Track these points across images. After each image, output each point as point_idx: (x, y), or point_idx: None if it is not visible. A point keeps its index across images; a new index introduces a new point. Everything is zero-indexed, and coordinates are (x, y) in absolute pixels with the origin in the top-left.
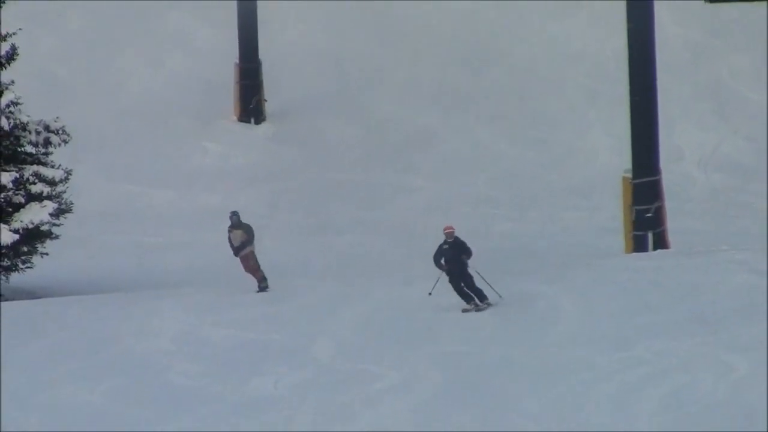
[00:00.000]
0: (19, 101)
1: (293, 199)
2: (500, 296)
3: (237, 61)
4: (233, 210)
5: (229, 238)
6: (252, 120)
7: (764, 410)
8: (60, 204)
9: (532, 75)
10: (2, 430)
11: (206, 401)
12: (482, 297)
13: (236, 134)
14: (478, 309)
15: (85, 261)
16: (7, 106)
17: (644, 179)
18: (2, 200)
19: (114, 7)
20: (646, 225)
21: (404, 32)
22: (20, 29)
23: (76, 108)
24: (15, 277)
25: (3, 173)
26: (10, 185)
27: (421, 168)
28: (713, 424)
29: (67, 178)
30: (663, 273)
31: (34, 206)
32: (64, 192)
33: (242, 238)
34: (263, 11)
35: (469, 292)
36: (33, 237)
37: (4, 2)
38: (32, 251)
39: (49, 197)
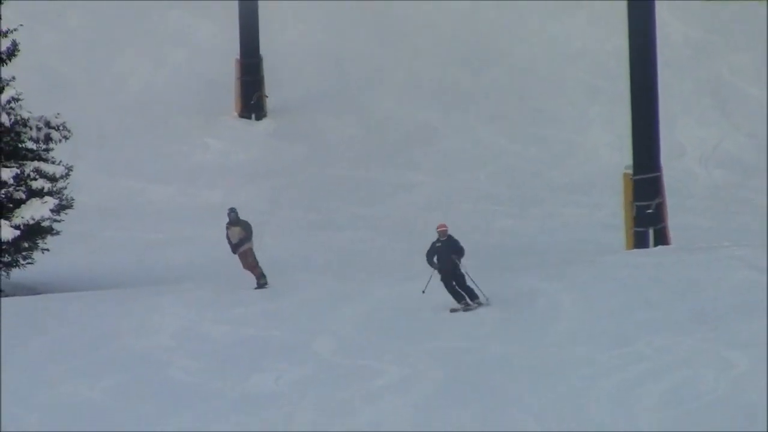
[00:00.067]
0: (20, 97)
1: (294, 195)
2: (487, 299)
3: (238, 56)
4: (231, 207)
5: (228, 235)
6: (253, 116)
7: (765, 407)
8: (61, 200)
9: (532, 73)
10: (2, 426)
11: (207, 397)
12: (473, 296)
13: (237, 130)
14: (466, 309)
15: (86, 257)
16: (8, 102)
17: (645, 175)
18: (3, 196)
19: (115, 4)
20: (647, 221)
21: (404, 30)
22: (21, 25)
23: (77, 104)
24: (16, 273)
25: (4, 169)
26: (11, 181)
27: (421, 165)
28: (714, 421)
29: (68, 174)
30: (664, 269)
31: (35, 202)
32: (65, 188)
33: (240, 235)
34: (264, 8)
35: (461, 291)
36: (34, 233)
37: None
38: (33, 247)
39: (50, 193)
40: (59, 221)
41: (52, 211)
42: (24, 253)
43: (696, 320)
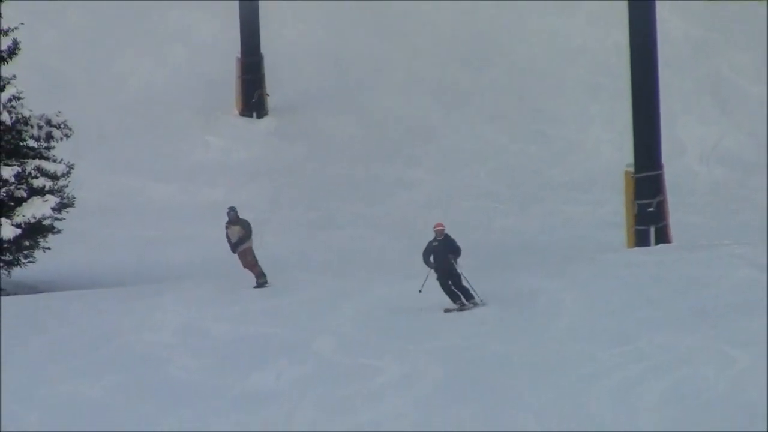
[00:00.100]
0: (21, 96)
1: (294, 193)
2: (481, 300)
3: (239, 55)
4: (231, 206)
5: (227, 234)
6: (254, 114)
7: (765, 405)
8: (62, 198)
9: (532, 71)
10: (3, 425)
11: (207, 396)
12: (468, 296)
13: (238, 129)
14: (461, 309)
15: (87, 255)
16: (9, 100)
17: (646, 174)
18: (4, 194)
19: (115, 3)
20: (648, 219)
21: (405, 28)
22: (22, 24)
23: (78, 103)
24: (17, 272)
25: (5, 167)
26: (12, 179)
27: (421, 163)
28: (714, 418)
29: (69, 173)
30: (665, 267)
31: (36, 200)
32: (66, 186)
33: (240, 234)
34: (264, 7)
35: (456, 291)
36: (35, 231)
37: None
38: (34, 246)
39: (51, 191)
40: (60, 220)
41: (53, 209)
42: (25, 252)
43: (697, 318)
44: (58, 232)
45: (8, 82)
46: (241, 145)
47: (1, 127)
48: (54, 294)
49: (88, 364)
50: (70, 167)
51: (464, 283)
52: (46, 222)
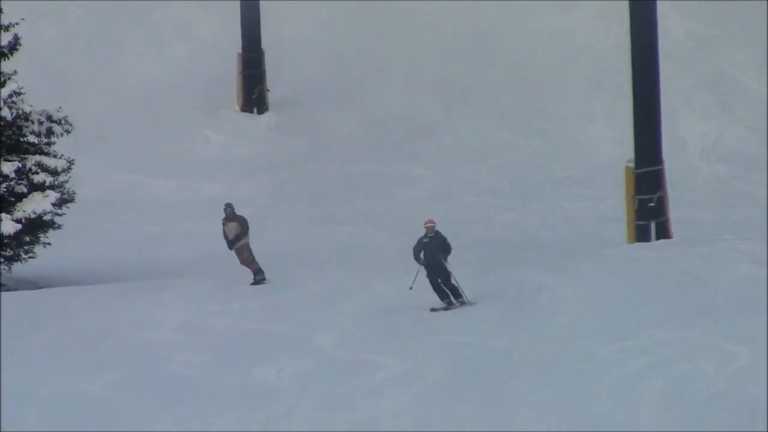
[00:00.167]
0: (21, 91)
1: (295, 189)
2: (471, 303)
3: (240, 50)
4: (227, 202)
5: (224, 231)
6: (255, 110)
7: (765, 401)
8: (62, 194)
9: (533, 67)
10: (3, 421)
11: (207, 392)
12: (457, 295)
13: (239, 124)
14: (448, 308)
15: (88, 251)
16: (10, 96)
17: (647, 169)
18: (5, 190)
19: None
20: (649, 215)
21: (406, 24)
22: (23, 20)
23: (78, 98)
24: (17, 267)
25: (5, 163)
26: (13, 175)
27: (422, 159)
28: (715, 414)
29: (69, 168)
30: (665, 263)
31: (37, 196)
32: (67, 182)
33: (237, 231)
34: (265, 3)
35: (445, 289)
36: (35, 227)
37: None
38: (35, 241)
39: (52, 187)
40: (61, 215)
41: (53, 204)
42: (26, 247)
43: (697, 314)
44: (59, 227)
45: (9, 78)
46: (241, 140)
47: (2, 123)
48: (54, 290)
49: (89, 360)
50: (71, 163)
51: (453, 281)
52: (47, 217)
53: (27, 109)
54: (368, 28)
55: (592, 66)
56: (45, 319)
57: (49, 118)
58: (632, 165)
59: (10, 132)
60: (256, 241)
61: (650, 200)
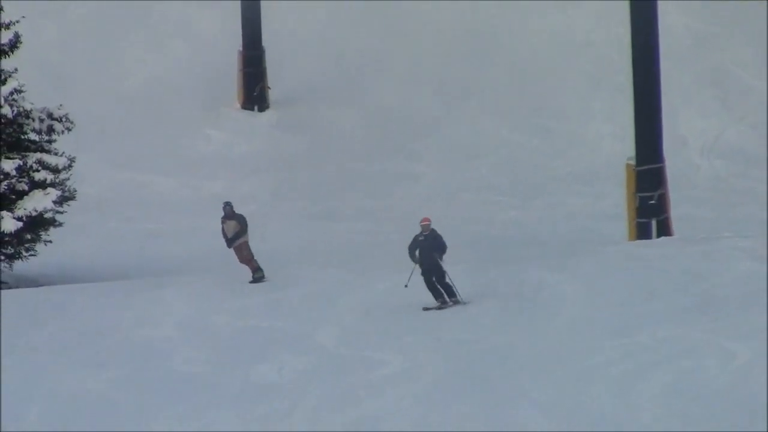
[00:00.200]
0: (22, 89)
1: (296, 187)
2: (464, 302)
3: (240, 48)
4: (226, 201)
5: (223, 229)
6: (255, 107)
7: (766, 398)
8: (63, 191)
9: (534, 64)
10: (4, 418)
11: (210, 389)
12: (451, 294)
13: (240, 122)
14: (441, 307)
15: (88, 248)
16: (11, 93)
17: (648, 166)
18: (6, 187)
19: None
20: (650, 212)
21: (406, 21)
22: (23, 17)
23: (79, 96)
24: (18, 265)
25: (6, 161)
26: (14, 173)
27: (424, 156)
28: (716, 411)
29: (70, 166)
30: (666, 260)
31: (38, 194)
32: (68, 179)
33: (236, 229)
34: (266, 0)
35: (439, 288)
36: (36, 224)
37: None
38: (36, 239)
39: (53, 185)
40: (62, 213)
41: (54, 202)
42: (26, 245)
43: (698, 311)
44: (60, 225)
45: (10, 76)
46: (242, 138)
47: (3, 121)
48: (55, 287)
49: (90, 357)
50: (72, 160)
51: (447, 279)
52: (48, 215)
53: (28, 106)
54: (369, 26)
55: (592, 63)
56: (46, 316)
57: (50, 116)
58: (633, 162)
59: (11, 130)
60: (256, 239)
61: (651, 198)
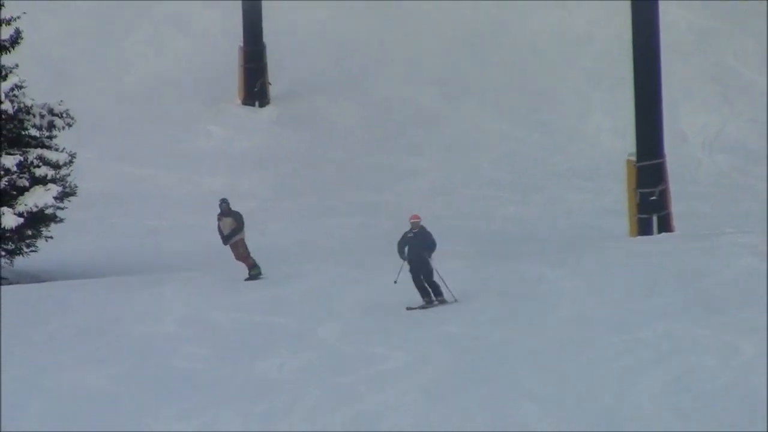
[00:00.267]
0: (23, 85)
1: (297, 182)
2: (455, 299)
3: (241, 44)
4: (223, 198)
5: (219, 226)
6: (256, 103)
7: (767, 394)
8: (64, 187)
9: (535, 59)
10: (5, 413)
11: (210, 385)
12: (438, 293)
13: (240, 117)
14: (426, 306)
15: (89, 244)
16: (12, 89)
17: (648, 162)
18: (6, 183)
19: None
20: (651, 208)
21: (407, 16)
22: (24, 13)
23: (80, 91)
24: (19, 261)
25: (7, 156)
26: (15, 168)
27: (424, 151)
28: (717, 407)
29: (71, 162)
30: (667, 256)
31: (39, 189)
32: (69, 175)
33: (232, 226)
34: None
35: (427, 287)
36: (37, 220)
37: None
38: (36, 235)
39: (54, 180)
40: (63, 209)
41: (55, 198)
42: (27, 241)
43: (699, 307)
44: (61, 221)
45: (10, 72)
46: (243, 133)
47: (3, 116)
48: (56, 283)
49: (91, 353)
50: (72, 156)
51: (435, 278)
52: (49, 211)
53: (28, 102)
54: (369, 22)
55: (593, 59)
56: (46, 312)
57: (51, 112)
58: (634, 158)
59: (12, 125)
60: (258, 234)
61: (652, 193)
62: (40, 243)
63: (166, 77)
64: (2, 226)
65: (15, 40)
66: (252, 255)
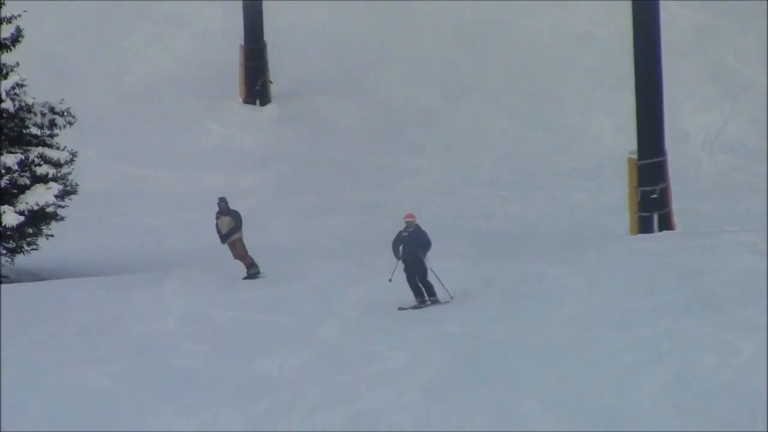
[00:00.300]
0: (24, 83)
1: (298, 180)
2: (451, 297)
3: (242, 42)
4: (221, 196)
5: (217, 225)
6: (257, 101)
7: (767, 392)
8: (65, 186)
9: (536, 57)
10: (5, 411)
11: (211, 383)
12: (431, 293)
13: (241, 116)
14: (418, 307)
15: (90, 243)
16: (13, 88)
17: (649, 160)
18: (8, 182)
19: None
20: (652, 206)
21: (408, 14)
22: (25, 11)
23: (81, 90)
24: (20, 259)
25: (8, 155)
26: (16, 167)
27: (426, 149)
28: (717, 405)
29: (72, 160)
30: (668, 254)
31: (40, 188)
32: (70, 174)
33: (230, 225)
34: None
35: (420, 287)
36: (38, 219)
37: None
38: (37, 233)
39: (55, 179)
40: (64, 207)
41: (56, 196)
42: (28, 239)
43: (700, 305)
44: (62, 219)
45: (11, 70)
46: (244, 132)
47: (5, 115)
48: (57, 281)
49: (90, 351)
50: (74, 155)
51: (429, 277)
52: (50, 209)
53: (29, 101)
54: (370, 21)
55: (594, 57)
56: (47, 310)
57: (52, 110)
58: (635, 156)
59: (13, 124)
60: (258, 233)
61: (653, 192)
62: (41, 241)
63: (166, 76)
64: (3, 225)
65: (16, 38)
66: (250, 254)
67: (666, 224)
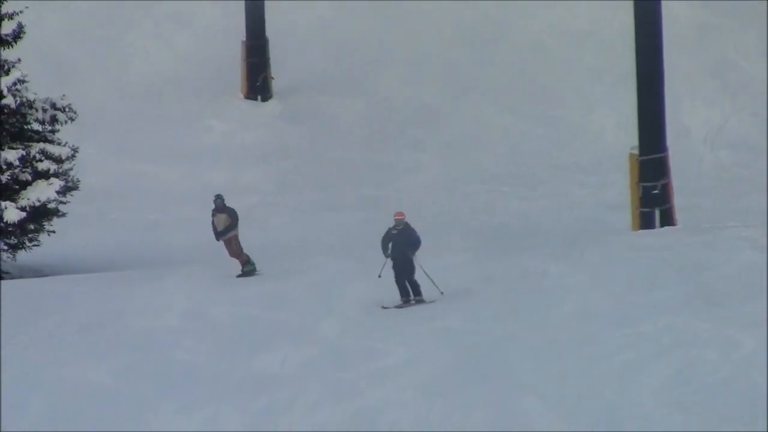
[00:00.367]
0: (25, 79)
1: (299, 177)
2: (441, 293)
3: (244, 38)
4: (217, 194)
5: (213, 223)
6: (259, 98)
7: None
8: (67, 182)
9: (538, 53)
10: (6, 408)
11: (212, 379)
12: (417, 292)
13: (243, 112)
14: (402, 306)
15: (92, 239)
16: (14, 84)
17: (651, 156)
18: (9, 178)
19: None
20: (653, 202)
21: (409, 11)
22: (26, 8)
23: (82, 86)
24: (21, 255)
25: (10, 151)
26: (17, 163)
27: (427, 146)
28: (718, 401)
29: (73, 156)
30: (669, 250)
31: (41, 184)
32: (71, 169)
33: (226, 223)
34: None
35: (407, 285)
36: (40, 215)
37: None
38: (39, 229)
39: (56, 175)
40: (65, 203)
41: (57, 192)
42: (30, 235)
43: (701, 301)
44: (63, 215)
45: (13, 66)
46: (245, 128)
47: (6, 111)
48: (58, 277)
49: (91, 347)
50: (75, 151)
51: (416, 276)
52: (51, 205)
53: (31, 96)
54: (370, 21)
55: (595, 53)
56: (48, 306)
57: (53, 106)
58: (636, 152)
59: (14, 120)
60: (259, 230)
61: (654, 187)
62: (43, 237)
63: (168, 72)
64: (5, 221)
65: (17, 34)
66: (246, 251)
67: (667, 220)
